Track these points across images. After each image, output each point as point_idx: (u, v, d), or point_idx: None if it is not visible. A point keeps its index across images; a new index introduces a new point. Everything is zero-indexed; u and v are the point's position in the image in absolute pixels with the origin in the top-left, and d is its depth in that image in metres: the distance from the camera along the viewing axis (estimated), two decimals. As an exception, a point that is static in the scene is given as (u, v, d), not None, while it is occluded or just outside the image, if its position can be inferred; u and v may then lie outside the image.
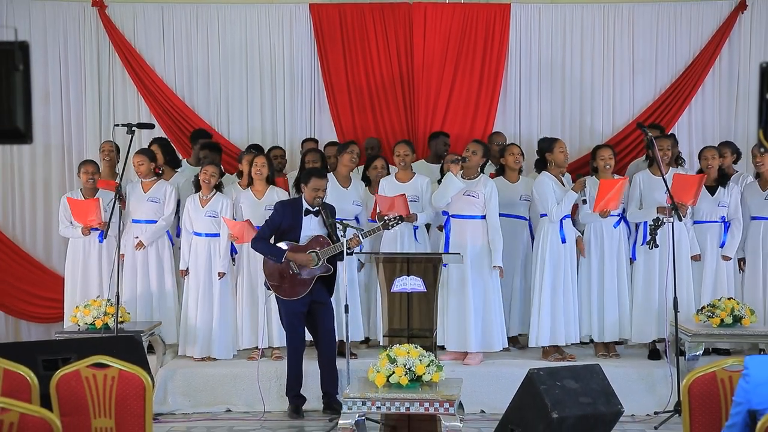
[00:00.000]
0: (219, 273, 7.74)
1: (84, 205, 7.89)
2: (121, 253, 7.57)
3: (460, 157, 7.45)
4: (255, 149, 8.60)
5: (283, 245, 6.92)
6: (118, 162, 8.46)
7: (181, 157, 8.96)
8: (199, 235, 7.77)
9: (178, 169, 8.55)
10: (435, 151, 8.68)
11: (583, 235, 7.81)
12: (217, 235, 7.76)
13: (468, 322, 7.43)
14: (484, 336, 7.49)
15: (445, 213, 7.64)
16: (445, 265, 7.24)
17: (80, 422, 4.36)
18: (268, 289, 7.06)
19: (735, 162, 8.25)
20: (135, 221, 7.98)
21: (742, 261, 7.97)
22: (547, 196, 7.49)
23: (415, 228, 7.72)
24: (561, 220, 7.53)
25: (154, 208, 7.98)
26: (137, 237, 7.92)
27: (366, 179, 8.22)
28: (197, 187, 7.84)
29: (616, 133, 9.25)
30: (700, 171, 7.89)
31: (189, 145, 9.13)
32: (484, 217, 7.49)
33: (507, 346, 7.72)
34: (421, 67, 9.15)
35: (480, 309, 7.47)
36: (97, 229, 7.89)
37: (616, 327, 7.74)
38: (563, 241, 7.54)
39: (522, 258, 7.98)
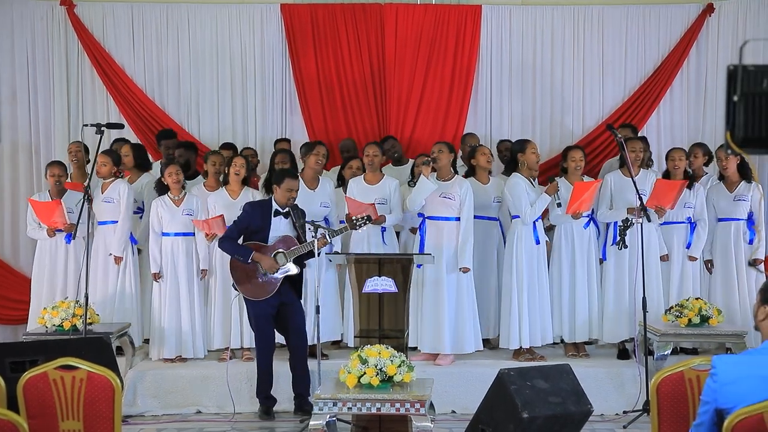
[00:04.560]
0: (203, 270, 7.71)
1: (46, 207, 7.81)
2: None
3: (429, 159, 7.46)
4: (228, 148, 8.56)
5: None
6: (87, 162, 8.40)
7: (152, 159, 8.92)
8: (169, 235, 7.71)
9: (146, 172, 8.50)
10: (386, 155, 8.66)
11: (551, 237, 7.85)
12: (192, 234, 7.72)
13: (442, 324, 7.43)
14: (458, 338, 7.50)
15: (420, 214, 7.64)
16: (419, 266, 7.25)
17: (48, 425, 4.31)
18: (236, 289, 7.03)
19: (706, 164, 8.32)
20: (100, 223, 7.91)
21: (708, 262, 8.05)
22: (521, 198, 7.51)
23: (383, 230, 7.72)
24: (534, 222, 7.56)
25: (110, 209, 7.87)
26: (111, 254, 7.84)
27: (341, 179, 8.21)
28: (161, 190, 7.74)
29: (587, 134, 9.32)
30: (667, 172, 7.95)
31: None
32: (459, 218, 7.50)
33: (481, 348, 7.72)
34: (393, 67, 9.16)
35: (454, 311, 7.47)
36: (62, 231, 7.81)
37: (586, 327, 7.79)
38: (537, 242, 7.57)
39: (495, 260, 7.99)
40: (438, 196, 7.47)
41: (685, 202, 7.86)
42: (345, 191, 7.95)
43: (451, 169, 7.61)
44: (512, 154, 7.85)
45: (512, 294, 7.55)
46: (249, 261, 6.83)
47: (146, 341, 7.99)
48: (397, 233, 8.11)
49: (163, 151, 8.69)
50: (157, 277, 7.70)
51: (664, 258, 7.84)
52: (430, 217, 7.57)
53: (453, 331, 7.47)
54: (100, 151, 7.65)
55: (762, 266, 7.85)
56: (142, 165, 8.46)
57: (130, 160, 8.32)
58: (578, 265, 7.75)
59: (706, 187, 8.08)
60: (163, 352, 7.69)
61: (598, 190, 7.65)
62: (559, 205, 7.56)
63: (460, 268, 7.42)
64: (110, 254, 7.85)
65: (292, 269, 6.88)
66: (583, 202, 7.47)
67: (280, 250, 6.87)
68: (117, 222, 7.88)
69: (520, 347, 7.59)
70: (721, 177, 8.08)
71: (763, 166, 8.91)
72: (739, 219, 7.87)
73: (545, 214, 7.85)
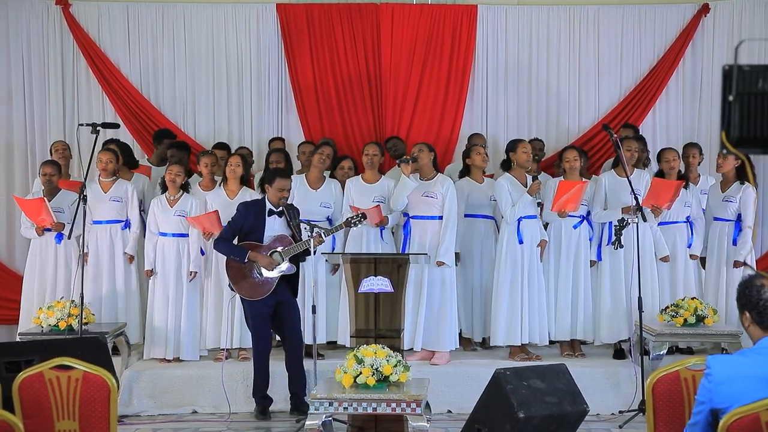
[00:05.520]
0: (191, 272, 7.71)
1: (31, 205, 7.78)
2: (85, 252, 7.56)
3: (409, 157, 7.47)
4: (222, 148, 8.56)
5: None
6: (71, 159, 8.40)
7: (147, 157, 8.91)
8: (165, 235, 7.71)
9: (135, 171, 8.50)
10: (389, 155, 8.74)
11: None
12: (185, 235, 7.72)
13: (421, 321, 7.42)
14: (439, 335, 7.50)
15: (405, 214, 7.65)
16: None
17: (43, 425, 4.30)
18: (232, 290, 7.02)
19: (698, 163, 8.34)
20: (96, 222, 7.88)
21: (702, 260, 8.07)
22: (503, 199, 7.53)
23: (381, 228, 7.72)
24: (519, 221, 7.56)
25: (117, 208, 7.90)
26: (126, 252, 7.86)
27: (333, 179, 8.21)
28: (164, 188, 7.78)
29: (582, 134, 9.33)
30: (660, 172, 7.96)
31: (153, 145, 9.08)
32: (443, 217, 7.51)
33: (458, 346, 7.72)
34: (389, 67, 9.17)
35: (437, 308, 7.47)
36: (50, 230, 7.79)
37: (568, 327, 7.79)
38: (520, 241, 7.57)
39: (492, 258, 7.98)
40: (421, 195, 7.49)
41: (685, 201, 7.88)
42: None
43: (433, 168, 7.62)
44: (506, 154, 7.86)
45: (495, 292, 7.60)
46: (245, 261, 6.82)
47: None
48: (392, 233, 8.11)
49: (162, 149, 8.67)
50: (149, 274, 7.71)
51: (666, 259, 7.84)
52: (414, 217, 7.58)
53: (433, 329, 7.46)
54: (99, 150, 7.70)
55: (754, 266, 7.85)
56: (129, 163, 8.45)
57: (119, 159, 8.31)
58: (563, 265, 7.76)
59: (707, 187, 8.11)
60: (155, 352, 7.69)
61: (585, 191, 7.63)
62: (540, 204, 7.59)
63: (437, 262, 7.41)
64: (125, 252, 7.86)
65: (289, 268, 6.88)
66: (568, 201, 7.48)
67: (276, 249, 6.87)
68: (121, 221, 7.91)
69: (514, 346, 7.60)
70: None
71: (758, 166, 8.91)
72: (726, 219, 7.87)
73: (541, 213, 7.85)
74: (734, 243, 7.83)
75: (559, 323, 7.78)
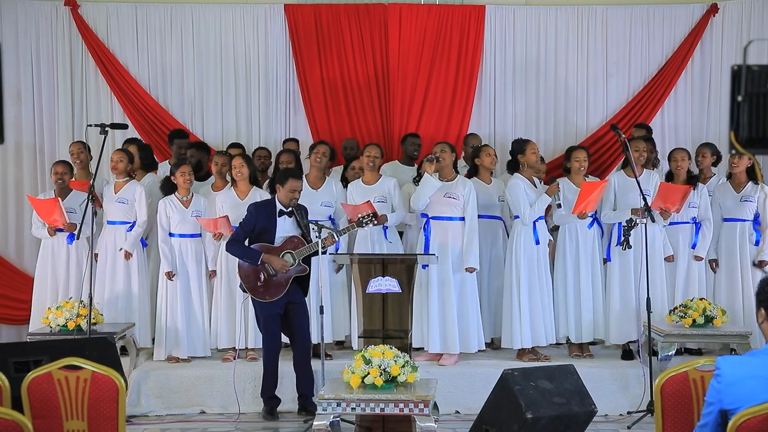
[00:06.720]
0: (212, 272, 7.75)
1: (45, 205, 7.80)
2: (94, 252, 7.56)
3: (434, 157, 7.46)
4: (237, 147, 8.56)
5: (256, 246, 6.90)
6: (90, 160, 8.42)
7: (157, 160, 8.93)
8: (183, 236, 7.70)
9: (152, 171, 8.51)
10: (406, 153, 8.73)
11: (556, 237, 7.85)
12: (199, 235, 7.74)
13: (451, 324, 7.43)
14: (463, 337, 7.50)
15: (424, 215, 7.63)
16: (424, 267, 7.25)
17: (52, 425, 4.32)
18: (244, 291, 7.02)
19: (714, 164, 8.30)
20: (110, 222, 7.92)
21: (713, 262, 8.04)
22: (520, 199, 7.51)
23: (385, 228, 7.72)
24: (534, 222, 7.55)
25: (123, 209, 7.88)
26: (121, 249, 7.83)
27: (345, 180, 8.21)
28: (168, 189, 7.72)
29: (591, 134, 9.32)
30: (669, 173, 7.95)
31: (163, 147, 9.08)
32: (463, 218, 7.50)
33: (484, 347, 7.72)
34: (397, 67, 9.17)
35: (460, 310, 7.47)
36: (62, 230, 7.80)
37: (591, 327, 7.78)
38: (537, 242, 7.56)
39: (501, 259, 7.97)
40: (442, 196, 7.47)
41: (690, 202, 7.85)
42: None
43: (453, 169, 7.62)
44: (512, 155, 7.85)
45: (512, 294, 7.56)
46: (258, 263, 6.83)
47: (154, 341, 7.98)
48: (400, 233, 8.10)
49: (175, 150, 8.67)
50: (171, 275, 7.68)
51: (670, 259, 7.83)
52: (434, 218, 7.56)
53: (459, 331, 7.46)
54: (115, 149, 7.68)
55: (768, 268, 7.85)
56: (148, 165, 8.46)
57: (137, 159, 8.32)
58: (582, 265, 7.74)
59: (712, 187, 8.08)
60: (172, 352, 7.68)
61: (604, 190, 7.64)
62: (559, 206, 7.57)
63: (466, 268, 7.43)
64: (120, 249, 7.82)
65: (303, 269, 6.90)
66: (590, 202, 7.47)
67: (288, 250, 6.88)
68: (127, 223, 7.88)
69: (523, 347, 7.59)
70: (729, 176, 8.07)
71: (767, 167, 8.89)
72: (744, 220, 7.87)
73: (548, 214, 7.84)
74: (756, 243, 7.82)
75: (584, 324, 7.73)
